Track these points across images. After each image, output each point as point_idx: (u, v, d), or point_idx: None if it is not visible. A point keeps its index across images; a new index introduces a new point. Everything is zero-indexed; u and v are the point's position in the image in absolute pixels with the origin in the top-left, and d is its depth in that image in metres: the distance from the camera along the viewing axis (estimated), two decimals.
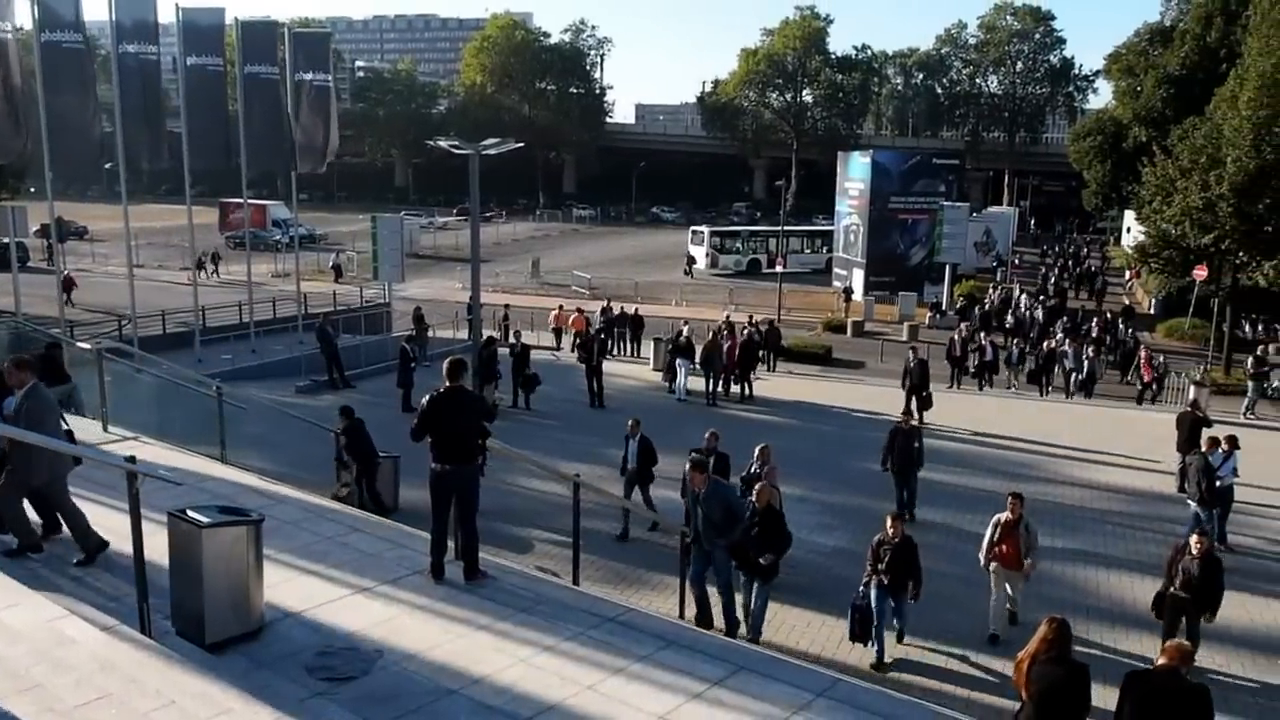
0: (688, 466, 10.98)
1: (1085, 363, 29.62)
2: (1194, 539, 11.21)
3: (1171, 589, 11.18)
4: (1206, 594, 10.99)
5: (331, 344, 26.68)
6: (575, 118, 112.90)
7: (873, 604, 11.10)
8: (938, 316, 44.56)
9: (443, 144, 19.14)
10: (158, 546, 7.43)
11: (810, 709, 7.09)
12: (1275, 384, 28.22)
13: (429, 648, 7.69)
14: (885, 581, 11.09)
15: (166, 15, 27.06)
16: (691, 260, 61.15)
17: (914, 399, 23.73)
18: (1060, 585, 13.73)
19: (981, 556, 12.24)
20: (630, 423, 15.93)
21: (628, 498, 15.33)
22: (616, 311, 35.27)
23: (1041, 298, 45.77)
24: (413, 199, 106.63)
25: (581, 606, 8.76)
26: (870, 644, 11.20)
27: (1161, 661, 6.73)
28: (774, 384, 28.90)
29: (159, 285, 42.81)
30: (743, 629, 11.23)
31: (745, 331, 29.29)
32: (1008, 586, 12.15)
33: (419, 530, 9.96)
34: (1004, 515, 12.13)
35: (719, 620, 11.12)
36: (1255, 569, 15.22)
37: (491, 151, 17.91)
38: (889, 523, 11.34)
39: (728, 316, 33.65)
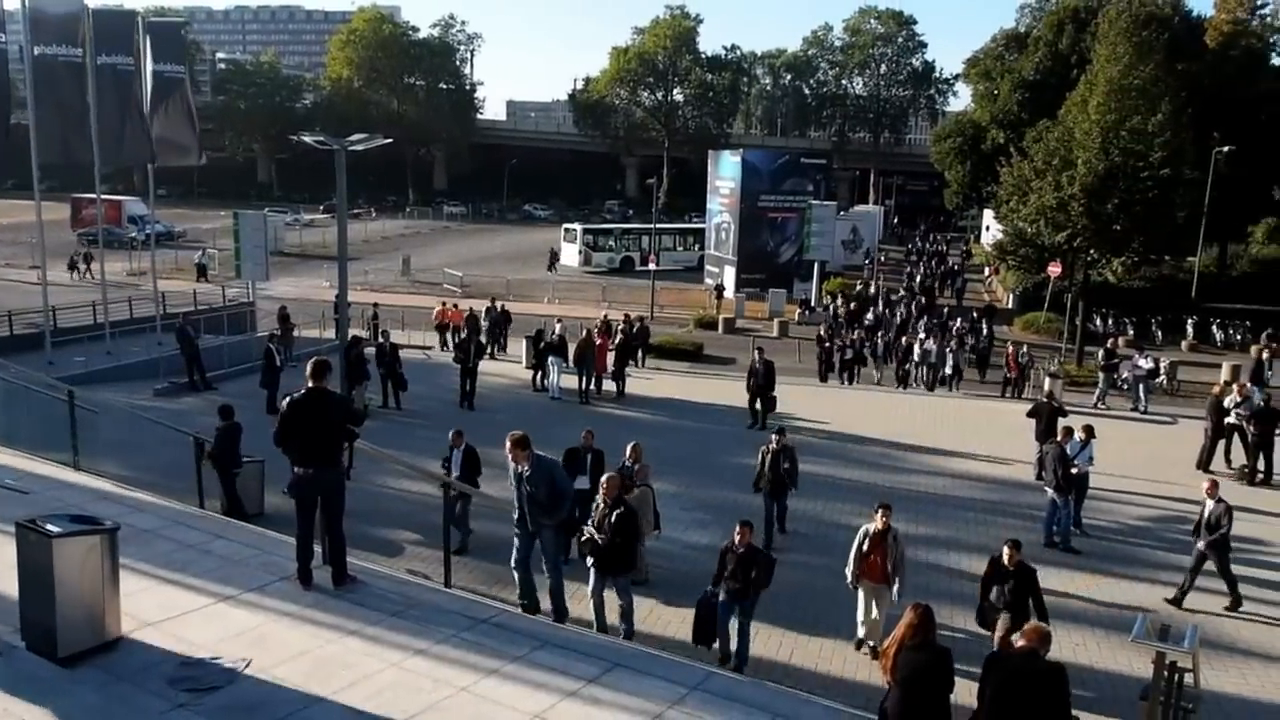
0: (508, 444, 10.08)
1: (949, 356, 30.57)
2: (1005, 550, 10.96)
3: (987, 602, 11.10)
4: (1023, 604, 10.78)
5: (192, 345, 25.75)
6: (445, 114, 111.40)
7: (719, 611, 10.86)
8: (807, 313, 45.49)
9: (307, 139, 18.59)
10: (5, 558, 7.06)
11: (685, 703, 7.15)
12: (1124, 375, 29.60)
13: (297, 655, 7.50)
14: (730, 590, 10.82)
15: (14, 2, 25.82)
16: (554, 257, 60.97)
17: (758, 400, 23.69)
18: (925, 572, 14.13)
19: (848, 572, 11.64)
20: (452, 434, 15.19)
21: (453, 510, 14.58)
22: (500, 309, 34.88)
23: (918, 296, 47.10)
24: (277, 195, 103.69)
25: (454, 609, 8.66)
26: (713, 646, 10.91)
27: (1021, 644, 6.97)
28: (647, 382, 29.04)
29: (6, 284, 40.72)
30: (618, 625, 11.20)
31: (621, 329, 29.44)
32: (874, 604, 11.62)
33: (284, 536, 9.70)
34: (872, 525, 11.61)
35: (546, 603, 10.66)
36: (1108, 552, 15.99)
37: (359, 147, 17.47)
38: (737, 529, 11.06)
39: (605, 315, 33.70)
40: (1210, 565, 13.90)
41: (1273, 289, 51.15)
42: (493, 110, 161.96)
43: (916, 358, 31.24)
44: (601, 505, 11.07)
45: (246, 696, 6.89)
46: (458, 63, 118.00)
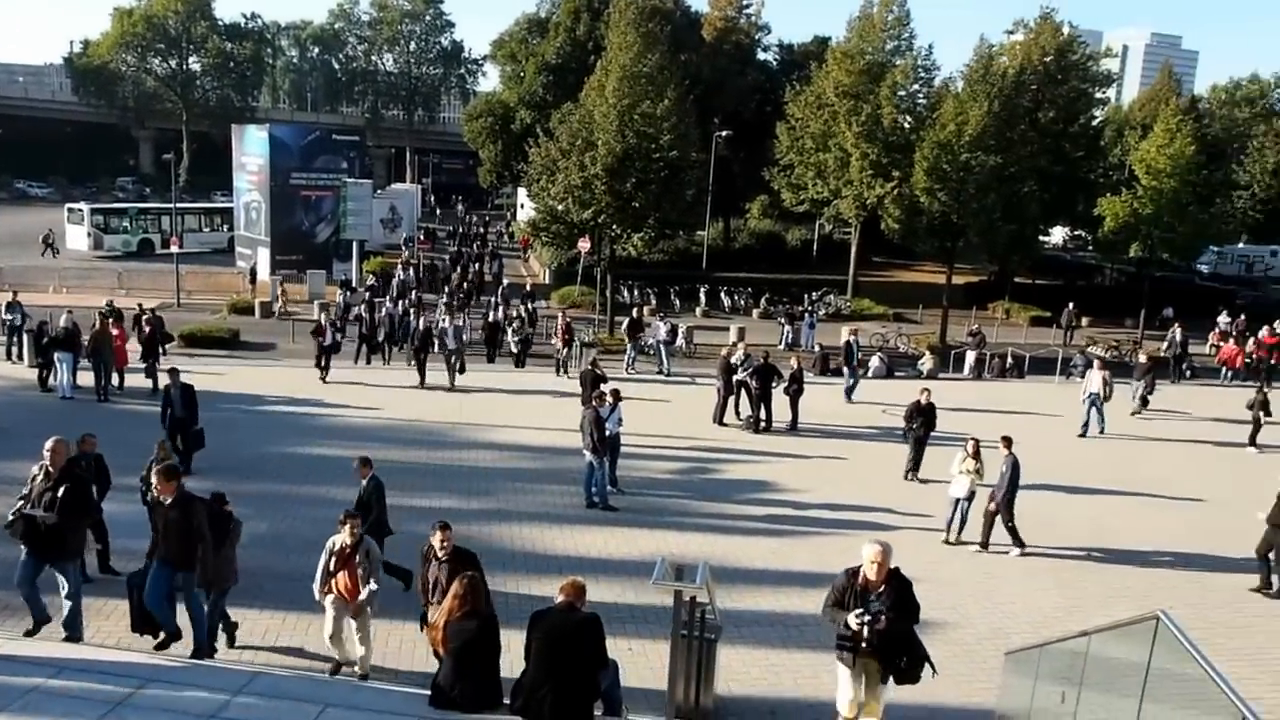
0: None
1: (512, 336, 30.91)
2: (437, 535, 9.39)
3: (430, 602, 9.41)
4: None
5: None
6: None
7: (150, 586, 9.32)
8: (348, 294, 44.46)
9: None
10: None
11: (229, 709, 6.76)
12: (649, 341, 31.99)
13: None
14: (160, 558, 9.33)
15: None
16: (48, 241, 54.39)
17: (179, 436, 17.97)
18: (478, 543, 14.38)
19: (316, 589, 9.85)
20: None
21: None
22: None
23: (463, 277, 47.38)
24: None
25: None
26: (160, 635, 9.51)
27: (560, 599, 7.34)
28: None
29: None
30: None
31: (147, 319, 27.07)
32: (349, 624, 9.82)
33: None
34: (339, 539, 9.78)
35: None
36: (644, 505, 17.21)
37: None
38: (155, 479, 9.60)
39: (141, 304, 30.73)
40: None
41: (768, 259, 57.93)
42: None
43: (441, 339, 27.82)
44: (42, 477, 9.33)
45: None
46: None
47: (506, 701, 7.23)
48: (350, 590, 9.62)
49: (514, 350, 31.43)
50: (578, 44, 61.19)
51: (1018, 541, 15.54)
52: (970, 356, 33.65)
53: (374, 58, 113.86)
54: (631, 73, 37.93)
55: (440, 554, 9.19)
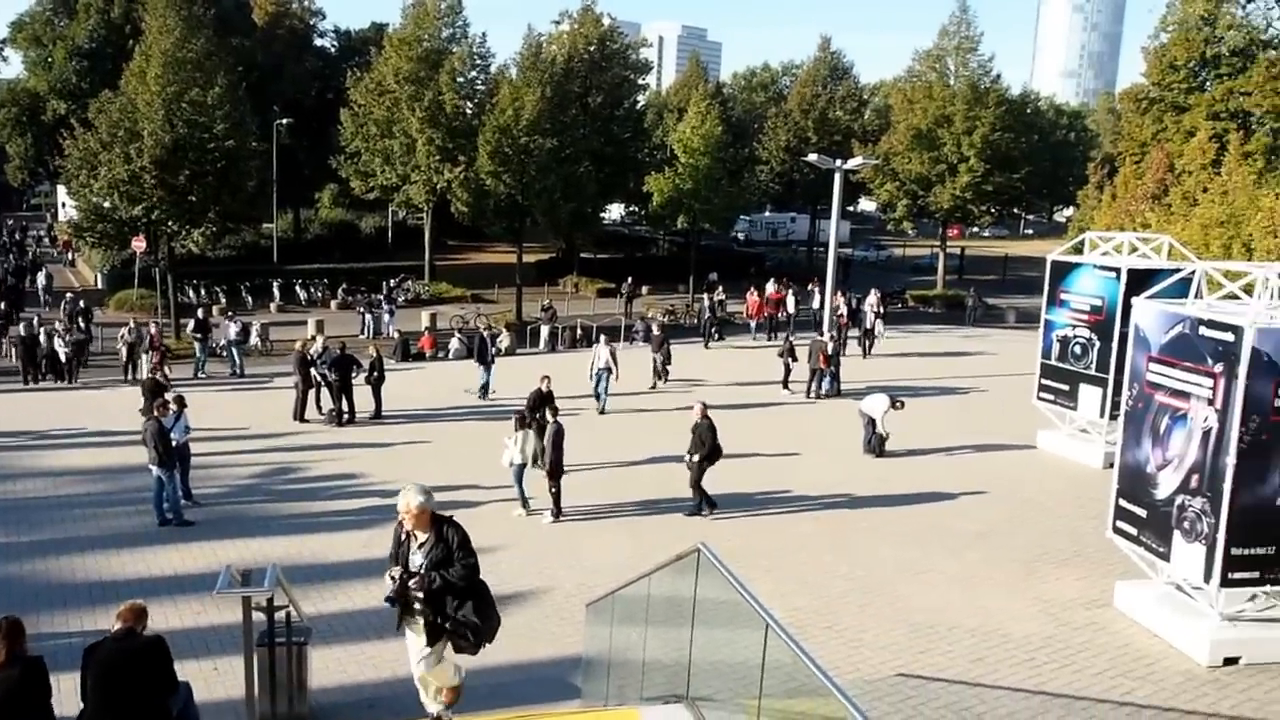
0: None
1: (61, 345, 28.14)
2: None
3: None
4: None
5: None
6: None
7: None
8: None
9: None
10: None
11: None
12: (220, 342, 30.45)
13: None
14: None
15: None
16: None
17: None
18: (32, 581, 13.27)
19: None
20: None
21: None
22: None
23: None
24: None
25: None
26: None
27: (118, 625, 6.95)
28: None
29: None
30: None
31: None
32: None
33: None
34: None
35: None
36: (223, 515, 16.47)
37: None
38: None
39: None
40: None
41: (343, 248, 57.15)
42: None
43: None
44: None
45: None
46: None
47: None
48: None
49: (63, 361, 28.57)
50: (113, 27, 56.37)
51: (556, 507, 16.38)
52: (544, 331, 35.28)
53: None
54: (175, 58, 35.83)
55: None
